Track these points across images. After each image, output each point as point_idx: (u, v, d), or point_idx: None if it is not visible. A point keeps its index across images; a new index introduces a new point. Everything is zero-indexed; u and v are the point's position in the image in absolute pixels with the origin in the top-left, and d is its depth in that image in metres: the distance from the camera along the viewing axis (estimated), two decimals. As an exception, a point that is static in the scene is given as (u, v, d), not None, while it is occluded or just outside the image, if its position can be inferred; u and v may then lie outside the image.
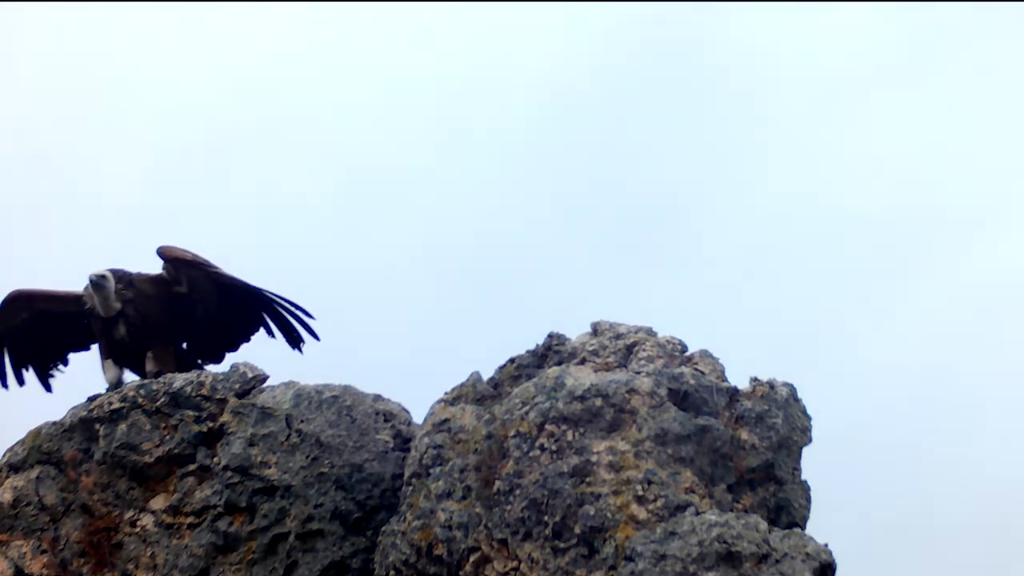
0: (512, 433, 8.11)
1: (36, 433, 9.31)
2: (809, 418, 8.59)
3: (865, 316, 22.95)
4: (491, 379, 8.79)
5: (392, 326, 21.18)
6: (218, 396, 9.11)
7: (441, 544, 8.12)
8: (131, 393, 9.17)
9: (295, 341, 9.79)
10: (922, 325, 22.63)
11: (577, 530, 7.76)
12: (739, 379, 8.56)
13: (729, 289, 22.53)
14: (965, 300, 22.60)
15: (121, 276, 9.63)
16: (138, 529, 8.93)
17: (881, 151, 25.10)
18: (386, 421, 9.08)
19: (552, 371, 8.29)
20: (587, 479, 7.84)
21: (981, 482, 18.85)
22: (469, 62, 26.78)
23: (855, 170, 24.90)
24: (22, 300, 9.91)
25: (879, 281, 23.54)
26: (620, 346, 8.57)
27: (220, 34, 25.92)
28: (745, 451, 8.18)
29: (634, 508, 7.73)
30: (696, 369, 8.41)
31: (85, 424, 9.16)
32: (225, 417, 9.04)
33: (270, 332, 9.79)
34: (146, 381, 9.31)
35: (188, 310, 9.72)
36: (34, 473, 9.16)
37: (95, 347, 9.92)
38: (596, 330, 8.78)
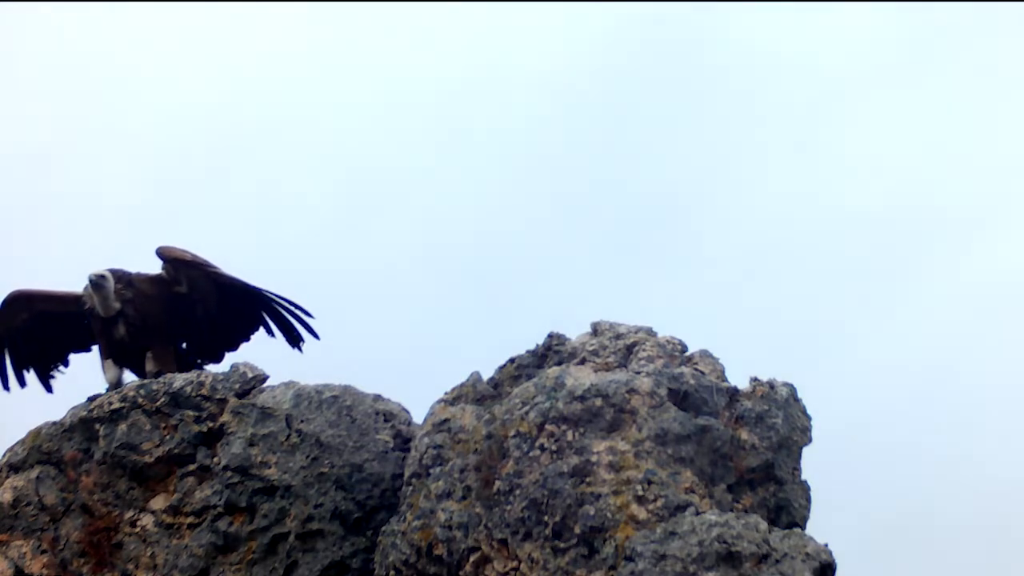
0: (512, 433, 8.10)
1: (36, 433, 9.31)
2: (809, 418, 8.59)
3: (865, 316, 22.96)
4: (491, 379, 8.79)
5: (392, 326, 21.19)
6: (218, 396, 9.11)
7: (441, 544, 8.12)
8: (131, 393, 9.17)
9: (295, 340, 9.79)
10: (922, 325, 22.64)
11: (577, 530, 7.76)
12: (739, 379, 8.57)
13: (729, 289, 22.54)
14: (965, 300, 22.60)
15: (121, 276, 9.62)
16: (138, 529, 8.93)
17: (881, 151, 25.11)
18: (386, 421, 9.08)
19: (552, 371, 8.29)
20: (587, 479, 7.84)
21: (981, 482, 18.85)
22: (469, 62, 26.79)
23: (855, 170, 24.92)
24: (22, 300, 9.90)
25: (879, 281, 23.55)
26: (620, 346, 8.57)
27: (220, 34, 25.94)
28: (745, 451, 8.18)
29: (634, 508, 7.73)
30: (696, 369, 8.41)
31: (85, 424, 9.16)
32: (225, 417, 9.04)
33: (270, 331, 9.80)
34: (146, 381, 9.31)
35: (188, 310, 9.72)
36: (34, 473, 9.16)
37: (95, 348, 9.92)
38: (596, 330, 8.78)
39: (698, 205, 25.67)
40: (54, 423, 9.31)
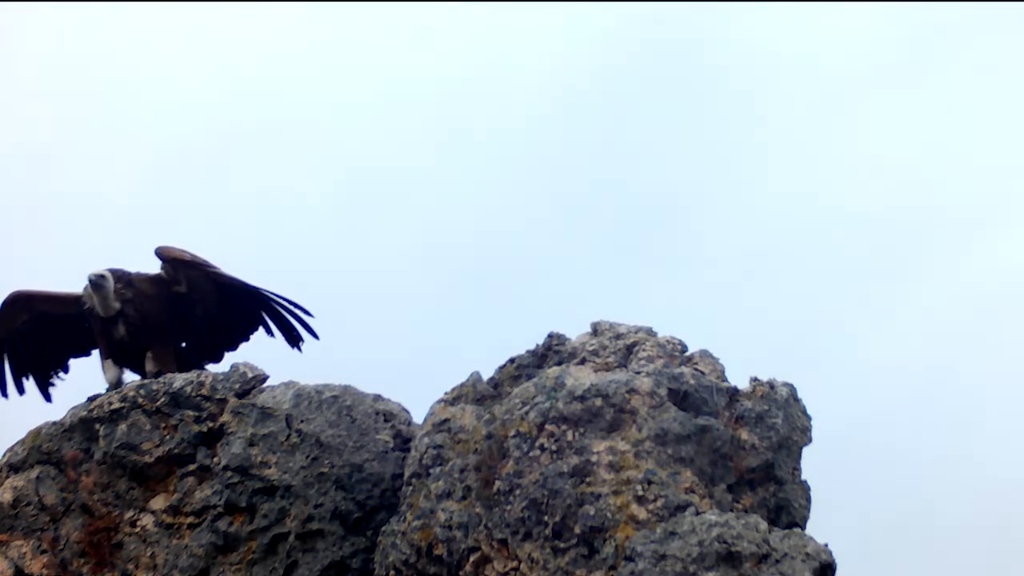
0: (512, 433, 8.10)
1: (36, 433, 9.31)
2: (809, 418, 8.59)
3: (865, 316, 22.97)
4: (491, 379, 8.79)
5: (392, 326, 21.20)
6: (218, 396, 9.11)
7: (441, 544, 8.12)
8: (131, 393, 9.16)
9: (294, 340, 9.78)
10: (922, 325, 22.64)
11: (577, 530, 7.76)
12: (739, 379, 8.57)
13: (729, 289, 22.55)
14: (965, 300, 22.61)
15: (120, 276, 9.62)
16: (138, 529, 8.93)
17: (881, 151, 25.11)
18: (386, 421, 9.08)
19: (552, 371, 8.29)
20: (587, 479, 7.84)
21: (981, 482, 18.85)
22: (469, 62, 26.79)
23: (855, 170, 24.93)
24: (22, 301, 9.89)
25: (879, 281, 23.55)
26: (620, 346, 8.57)
27: (220, 34, 25.94)
28: (745, 451, 8.18)
29: (634, 508, 7.73)
30: (696, 369, 8.41)
31: (85, 424, 9.16)
32: (225, 417, 9.04)
33: (269, 331, 9.79)
34: (146, 381, 9.31)
35: (187, 310, 9.72)
36: (34, 473, 9.16)
37: (95, 352, 9.91)
38: (596, 330, 8.78)
39: (698, 205, 25.68)
40: (54, 423, 9.31)
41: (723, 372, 8.57)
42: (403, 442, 8.98)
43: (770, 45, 25.94)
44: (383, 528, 8.50)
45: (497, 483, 8.05)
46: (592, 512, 7.76)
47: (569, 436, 7.96)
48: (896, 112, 25.30)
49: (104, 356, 9.75)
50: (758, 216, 24.80)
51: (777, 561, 7.54)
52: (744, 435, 8.21)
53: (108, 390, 9.46)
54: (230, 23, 25.59)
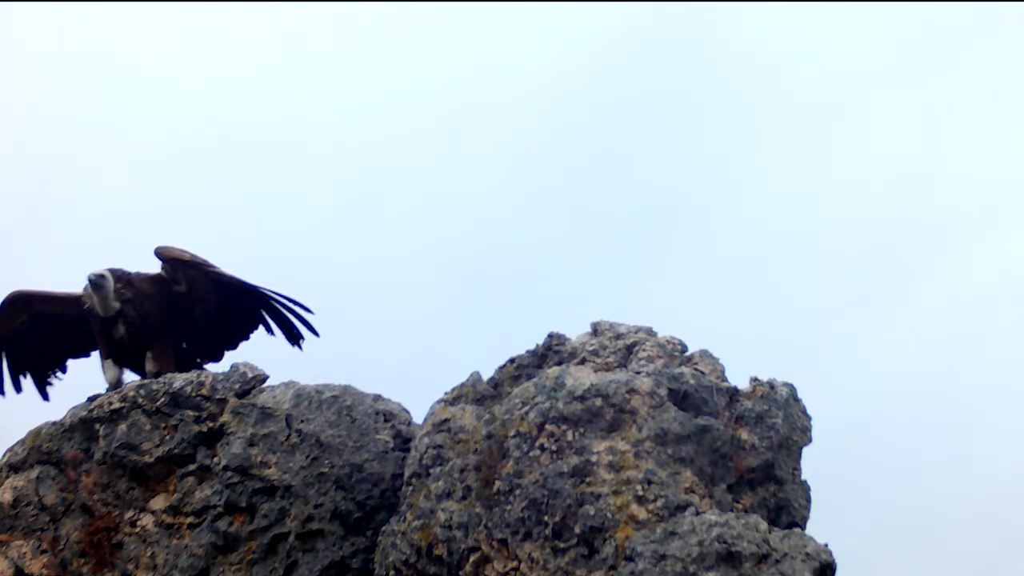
0: (512, 433, 8.10)
1: (36, 433, 9.31)
2: (809, 418, 8.59)
3: (865, 316, 22.99)
4: (491, 379, 8.79)
5: (392, 326, 21.22)
6: (218, 396, 9.11)
7: (441, 544, 8.11)
8: (131, 393, 9.16)
9: (294, 338, 9.78)
10: (922, 325, 22.66)
11: (577, 530, 7.76)
12: (739, 379, 8.57)
13: (729, 289, 22.57)
14: (965, 300, 22.63)
15: (120, 276, 9.62)
16: (138, 529, 8.93)
17: (881, 151, 25.13)
18: (386, 421, 9.08)
19: (552, 371, 8.29)
20: (587, 479, 7.84)
21: (981, 482, 18.86)
22: (469, 62, 26.81)
23: (855, 170, 24.94)
24: (21, 301, 9.89)
25: (879, 281, 23.58)
26: (620, 346, 8.57)
27: (220, 34, 25.96)
28: (745, 451, 8.17)
29: (634, 508, 7.73)
30: (696, 369, 8.40)
31: (85, 424, 9.16)
32: (225, 417, 9.04)
33: (269, 330, 9.79)
34: (146, 381, 9.31)
35: (187, 309, 9.72)
36: (34, 473, 9.16)
37: (94, 353, 9.90)
38: (596, 330, 8.78)
39: (698, 205, 25.71)
40: (54, 423, 9.31)
41: (723, 372, 8.56)
42: (403, 442, 8.98)
43: (770, 45, 26.00)
44: (383, 528, 8.50)
45: (497, 483, 8.05)
46: (592, 512, 7.75)
47: (569, 436, 7.96)
48: (896, 112, 25.33)
49: (104, 356, 9.75)
50: (758, 216, 24.84)
51: (777, 561, 7.54)
52: (744, 435, 8.21)
53: (108, 390, 9.46)
54: (230, 23, 25.64)
